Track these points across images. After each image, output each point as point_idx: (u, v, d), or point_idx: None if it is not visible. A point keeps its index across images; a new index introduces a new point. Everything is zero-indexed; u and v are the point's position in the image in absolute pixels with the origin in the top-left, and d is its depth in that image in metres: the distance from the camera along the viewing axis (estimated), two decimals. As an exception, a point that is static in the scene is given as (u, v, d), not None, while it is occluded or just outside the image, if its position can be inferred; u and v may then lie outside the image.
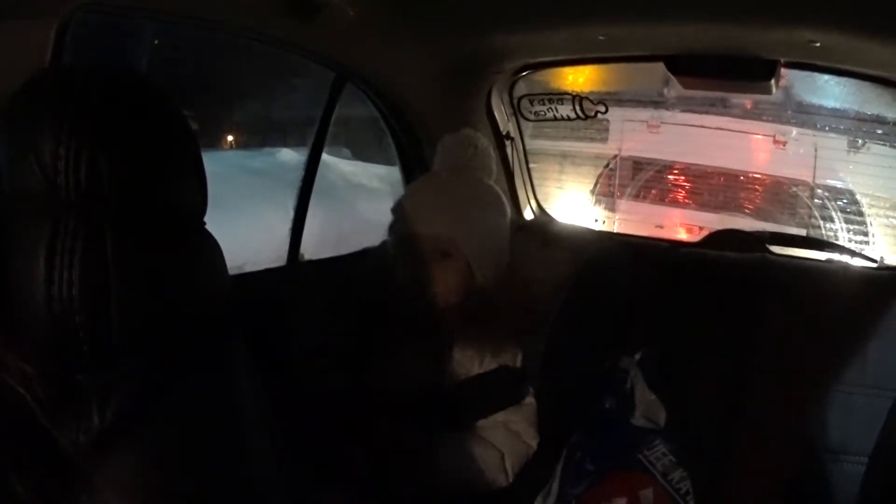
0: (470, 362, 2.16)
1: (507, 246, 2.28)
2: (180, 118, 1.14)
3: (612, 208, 6.15)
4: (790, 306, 2.36)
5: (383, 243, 2.60)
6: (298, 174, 2.67)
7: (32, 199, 0.97)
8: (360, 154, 6.50)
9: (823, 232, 5.53)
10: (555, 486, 2.04)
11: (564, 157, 5.93)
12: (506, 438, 2.08)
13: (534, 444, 2.10)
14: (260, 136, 6.91)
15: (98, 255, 0.96)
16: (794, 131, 5.70)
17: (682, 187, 6.10)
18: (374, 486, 1.98)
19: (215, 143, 6.20)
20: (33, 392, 0.92)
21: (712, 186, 6.00)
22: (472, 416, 2.12)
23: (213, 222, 1.21)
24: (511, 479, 2.05)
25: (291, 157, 6.05)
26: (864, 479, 1.95)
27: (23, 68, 1.31)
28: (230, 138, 6.64)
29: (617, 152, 6.23)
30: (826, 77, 2.61)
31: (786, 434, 2.24)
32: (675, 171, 6.13)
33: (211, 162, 1.18)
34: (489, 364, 2.15)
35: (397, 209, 2.28)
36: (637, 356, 2.21)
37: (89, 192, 0.97)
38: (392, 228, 2.30)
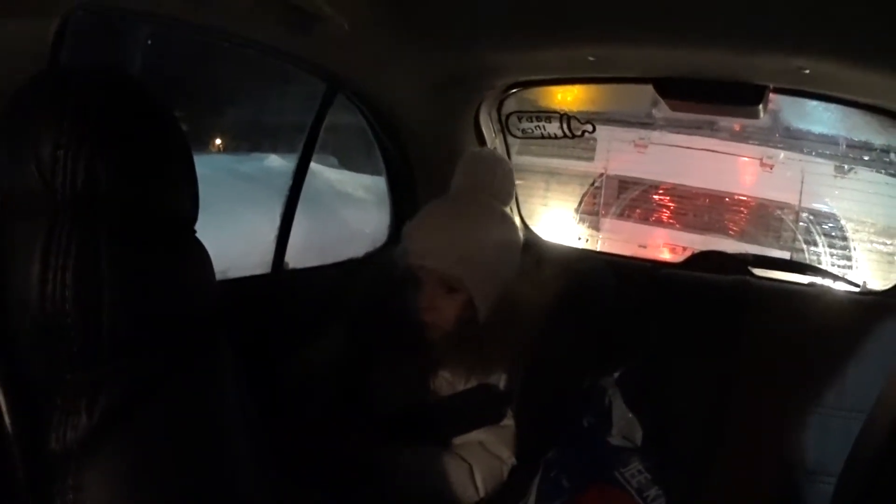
0: (456, 381, 2.16)
1: (512, 278, 2.24)
2: (176, 126, 1.15)
3: (596, 227, 6.17)
4: (771, 329, 2.38)
5: (378, 256, 2.61)
6: (286, 181, 2.66)
7: (29, 199, 0.98)
8: (347, 163, 6.50)
9: (807, 255, 5.56)
10: (531, 501, 2.04)
11: (551, 174, 5.96)
12: (478, 454, 2.06)
13: (509, 462, 2.09)
14: (249, 140, 6.90)
15: (92, 258, 0.97)
16: (782, 154, 5.72)
17: (667, 207, 6.12)
18: (343, 496, 1.98)
19: (204, 145, 6.19)
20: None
21: (697, 207, 6.02)
22: (449, 433, 2.12)
23: (199, 225, 1.22)
24: (482, 494, 2.04)
25: (280, 163, 6.04)
26: (833, 499, 1.97)
27: (22, 67, 1.33)
28: (219, 142, 6.63)
29: (603, 171, 6.25)
30: (814, 103, 2.62)
31: (763, 454, 2.26)
32: (661, 192, 6.15)
33: (199, 165, 1.19)
34: (473, 383, 2.15)
35: (407, 235, 2.26)
36: (616, 375, 2.22)
37: (86, 195, 0.98)
38: (399, 253, 2.26)
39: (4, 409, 0.92)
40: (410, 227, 2.28)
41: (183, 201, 1.16)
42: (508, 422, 2.13)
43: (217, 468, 1.10)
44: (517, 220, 3.12)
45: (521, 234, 2.32)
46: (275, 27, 1.99)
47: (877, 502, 1.61)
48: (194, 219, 1.20)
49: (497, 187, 2.33)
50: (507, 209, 2.39)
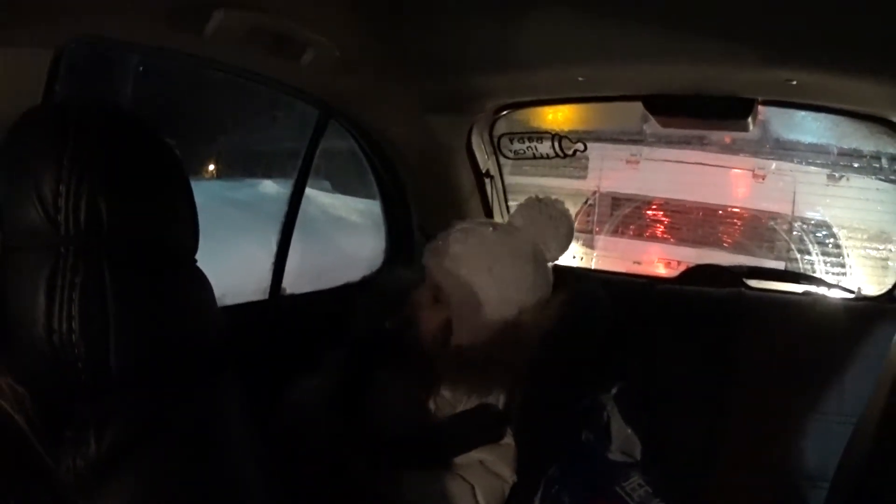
0: (456, 400, 2.16)
1: (507, 315, 2.18)
2: (174, 159, 1.17)
3: (590, 245, 6.16)
4: (767, 340, 2.39)
5: (376, 280, 2.61)
6: (280, 206, 2.67)
7: (33, 235, 1.00)
8: (342, 187, 6.49)
9: (801, 265, 5.58)
10: (532, 518, 2.05)
11: (544, 193, 5.96)
12: (479, 473, 2.05)
13: (510, 481, 2.07)
14: (243, 167, 6.89)
15: (97, 291, 0.99)
16: (773, 165, 5.73)
17: (661, 222, 6.13)
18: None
19: (198, 172, 6.18)
20: (27, 415, 0.94)
21: (691, 221, 6.02)
22: (449, 453, 2.11)
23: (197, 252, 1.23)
24: None
25: (274, 189, 6.03)
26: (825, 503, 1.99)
27: (19, 98, 1.34)
28: (212, 168, 6.62)
29: (596, 188, 6.25)
30: (803, 113, 2.64)
31: (763, 462, 2.28)
32: (654, 207, 6.15)
33: (194, 192, 1.21)
34: (472, 402, 2.16)
35: (428, 245, 2.28)
36: (614, 391, 2.23)
37: (89, 230, 1.00)
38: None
39: (7, 435, 0.94)
40: (442, 232, 2.29)
41: (183, 232, 1.18)
42: (508, 440, 2.13)
43: (224, 497, 1.12)
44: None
45: (548, 288, 2.27)
46: (266, 56, 2.00)
47: None
48: (195, 249, 1.21)
49: (547, 236, 2.30)
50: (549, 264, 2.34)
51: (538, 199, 2.38)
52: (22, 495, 0.93)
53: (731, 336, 2.44)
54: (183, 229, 1.18)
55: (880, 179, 5.42)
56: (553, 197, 2.36)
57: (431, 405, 2.18)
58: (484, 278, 2.15)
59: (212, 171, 6.62)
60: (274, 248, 2.64)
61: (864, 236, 5.51)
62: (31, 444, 0.94)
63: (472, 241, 2.21)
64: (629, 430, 2.16)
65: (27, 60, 1.44)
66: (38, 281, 0.97)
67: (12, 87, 1.40)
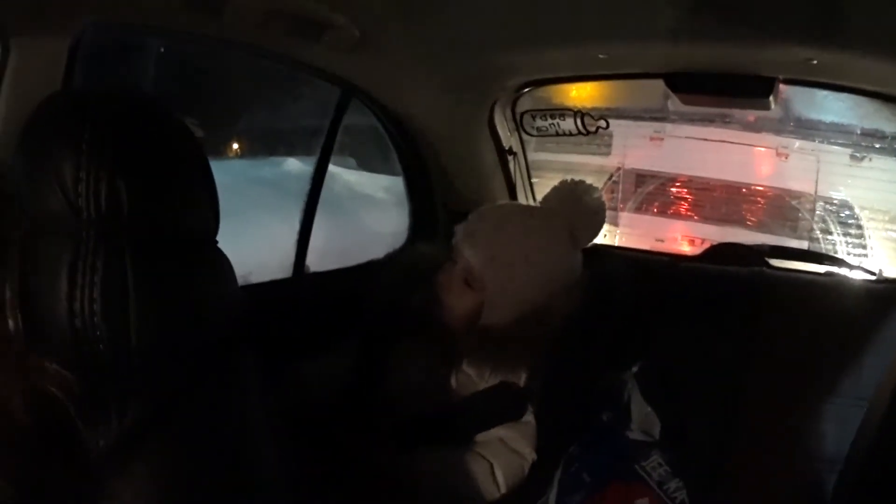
0: (478, 378, 2.18)
1: (538, 300, 2.17)
2: (194, 142, 1.18)
3: (614, 222, 6.14)
4: (787, 320, 2.39)
5: (400, 256, 2.62)
6: (304, 184, 2.69)
7: (54, 219, 1.00)
8: (366, 164, 6.49)
9: (823, 245, 5.55)
10: (552, 496, 2.06)
11: (568, 170, 5.96)
12: (498, 451, 2.07)
13: (529, 458, 2.09)
14: (266, 145, 6.90)
15: (118, 273, 1.00)
16: (797, 144, 5.70)
17: (685, 200, 6.10)
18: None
19: (221, 151, 6.20)
20: (73, 398, 0.96)
21: (714, 199, 5.99)
22: (470, 431, 2.13)
23: (220, 232, 1.25)
24: (503, 490, 2.05)
25: (297, 166, 6.04)
26: (835, 487, 1.99)
27: (38, 85, 1.36)
28: (236, 146, 6.64)
29: (620, 165, 6.23)
30: (825, 92, 2.63)
31: (782, 444, 2.27)
32: (678, 184, 6.13)
33: (217, 171, 1.21)
34: (493, 379, 2.17)
35: (469, 218, 2.27)
36: (634, 369, 2.24)
37: (109, 213, 1.00)
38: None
39: (57, 418, 0.95)
40: (475, 213, 2.28)
41: (204, 215, 1.19)
42: (529, 418, 2.14)
43: (238, 479, 1.13)
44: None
45: (577, 273, 2.28)
46: (287, 38, 2.01)
47: (872, 490, 1.64)
48: (215, 230, 1.22)
49: (580, 223, 2.29)
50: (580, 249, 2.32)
51: (575, 183, 2.36)
52: (58, 476, 0.95)
53: (752, 315, 2.43)
54: (203, 211, 1.19)
55: (902, 161, 5.40)
56: (588, 182, 2.34)
57: (454, 382, 2.19)
58: (520, 265, 2.15)
59: (235, 150, 6.65)
60: (298, 225, 2.66)
61: (886, 218, 5.48)
62: (77, 428, 0.96)
63: (509, 227, 2.20)
64: (649, 409, 2.17)
65: (46, 47, 1.45)
66: (59, 265, 0.98)
67: (32, 74, 1.42)
